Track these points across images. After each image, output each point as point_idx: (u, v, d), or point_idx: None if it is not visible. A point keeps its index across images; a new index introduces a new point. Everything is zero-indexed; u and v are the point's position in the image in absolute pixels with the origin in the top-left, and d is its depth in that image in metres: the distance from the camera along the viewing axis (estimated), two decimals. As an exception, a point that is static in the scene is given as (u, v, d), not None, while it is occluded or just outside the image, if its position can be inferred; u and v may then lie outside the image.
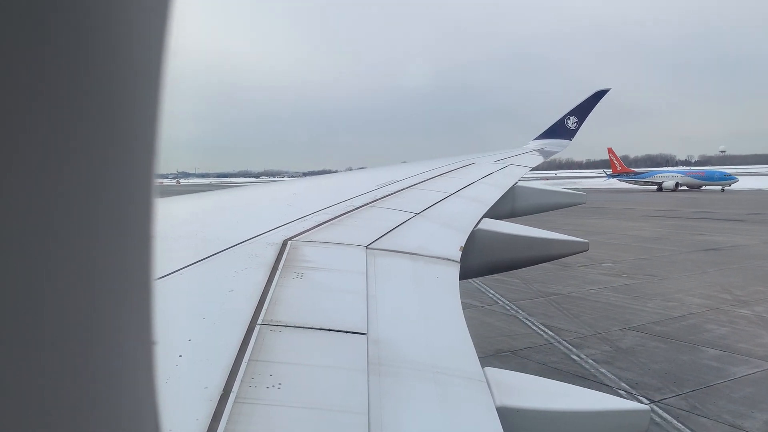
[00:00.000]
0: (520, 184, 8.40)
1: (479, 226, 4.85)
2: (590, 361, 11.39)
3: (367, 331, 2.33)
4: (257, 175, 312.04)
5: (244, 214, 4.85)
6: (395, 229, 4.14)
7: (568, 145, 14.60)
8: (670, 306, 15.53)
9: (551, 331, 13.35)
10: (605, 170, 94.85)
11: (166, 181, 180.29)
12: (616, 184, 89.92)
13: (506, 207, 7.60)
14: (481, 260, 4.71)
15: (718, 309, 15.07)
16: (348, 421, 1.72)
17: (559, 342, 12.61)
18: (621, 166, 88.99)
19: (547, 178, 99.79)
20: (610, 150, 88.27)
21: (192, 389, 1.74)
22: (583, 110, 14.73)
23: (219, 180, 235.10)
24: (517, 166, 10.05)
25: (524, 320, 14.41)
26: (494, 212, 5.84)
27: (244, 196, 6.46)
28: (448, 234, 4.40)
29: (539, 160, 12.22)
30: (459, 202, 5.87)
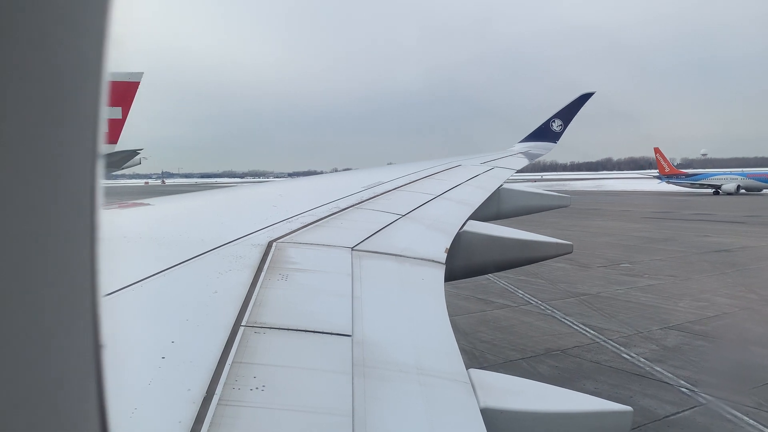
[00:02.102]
0: (505, 186, 8.50)
1: (465, 228, 4.88)
2: (642, 359, 11.56)
3: (352, 332, 2.33)
4: (242, 176, 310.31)
5: (229, 215, 4.85)
6: (381, 231, 4.16)
7: (553, 148, 14.80)
8: (701, 306, 15.81)
9: (593, 331, 13.54)
10: (653, 171, 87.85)
11: (151, 182, 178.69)
12: (654, 185, 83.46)
13: (492, 209, 7.71)
14: (466, 262, 4.77)
15: (750, 309, 15.40)
16: (332, 422, 1.73)
17: (605, 341, 12.79)
18: (669, 168, 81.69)
19: (535, 180, 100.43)
20: (657, 150, 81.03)
21: (175, 391, 1.74)
22: (568, 113, 14.92)
23: (204, 180, 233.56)
24: (502, 168, 10.16)
25: (562, 320, 14.58)
26: (480, 214, 5.91)
27: (229, 197, 6.47)
28: (433, 236, 4.43)
29: (524, 162, 12.39)
30: (445, 204, 5.92)
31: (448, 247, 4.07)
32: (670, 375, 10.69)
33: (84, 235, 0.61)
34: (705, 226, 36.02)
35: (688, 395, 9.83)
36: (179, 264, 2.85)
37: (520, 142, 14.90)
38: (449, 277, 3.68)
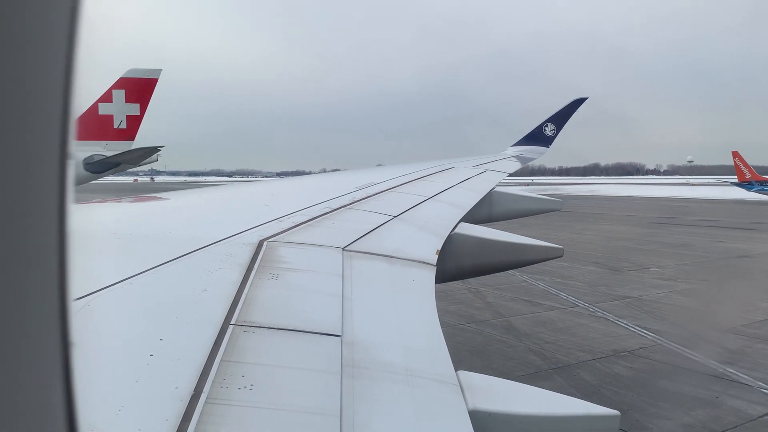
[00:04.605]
0: (497, 189, 8.60)
1: (456, 230, 4.90)
2: (712, 361, 11.85)
3: (342, 333, 2.33)
4: (230, 175, 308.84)
5: (219, 213, 4.85)
6: (372, 232, 4.16)
7: (546, 152, 14.94)
8: (747, 310, 16.16)
9: (651, 333, 13.83)
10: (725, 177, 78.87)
11: (140, 179, 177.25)
12: (730, 192, 76.26)
13: (483, 212, 7.78)
14: (457, 264, 4.79)
15: (801, 314, 15.78)
16: (320, 422, 1.73)
17: (666, 343, 13.10)
18: (752, 174, 72.19)
19: (527, 184, 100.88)
20: (736, 154, 72.14)
21: (162, 389, 1.74)
22: (561, 118, 15.08)
23: (192, 179, 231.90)
24: (494, 171, 10.27)
25: (617, 322, 14.88)
26: (471, 217, 5.93)
27: (219, 196, 6.46)
28: (425, 237, 4.44)
29: (517, 166, 12.50)
30: (436, 206, 5.94)
31: (440, 249, 4.09)
32: (745, 377, 11.02)
33: (50, 235, 0.60)
34: (714, 232, 36.59)
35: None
36: (169, 261, 2.84)
37: (513, 145, 15.00)
38: (440, 278, 3.69)
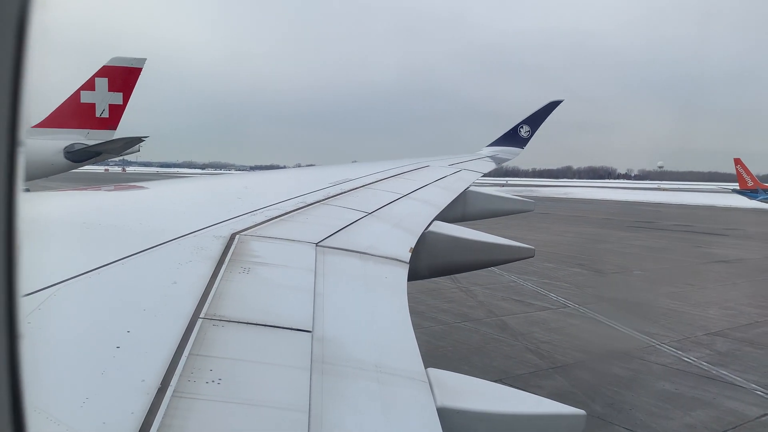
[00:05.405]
0: (471, 188, 8.72)
1: (430, 228, 4.95)
2: (704, 363, 12.26)
3: (313, 328, 2.34)
4: (203, 167, 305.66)
5: (191, 205, 4.81)
6: (346, 228, 4.17)
7: (520, 153, 15.19)
8: (731, 314, 16.74)
9: (644, 335, 14.13)
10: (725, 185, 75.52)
11: (111, 169, 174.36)
12: (735, 200, 72.50)
13: (458, 211, 7.88)
14: (430, 262, 4.84)
15: (782, 318, 16.29)
16: (288, 418, 1.74)
17: (660, 345, 13.44)
18: (754, 182, 69.54)
19: (502, 185, 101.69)
20: (738, 161, 69.65)
21: (128, 382, 1.73)
22: (536, 119, 15.28)
23: (164, 170, 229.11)
24: (469, 171, 10.41)
25: (608, 323, 15.25)
26: (445, 215, 6.00)
27: (192, 188, 6.41)
28: (398, 235, 4.46)
29: (492, 166, 12.72)
30: (411, 204, 5.99)
31: (413, 247, 4.13)
32: (739, 379, 11.42)
33: None
34: (692, 237, 37.59)
35: (766, 397, 10.38)
36: (138, 253, 2.82)
37: (488, 145, 15.19)
38: (413, 276, 3.72)
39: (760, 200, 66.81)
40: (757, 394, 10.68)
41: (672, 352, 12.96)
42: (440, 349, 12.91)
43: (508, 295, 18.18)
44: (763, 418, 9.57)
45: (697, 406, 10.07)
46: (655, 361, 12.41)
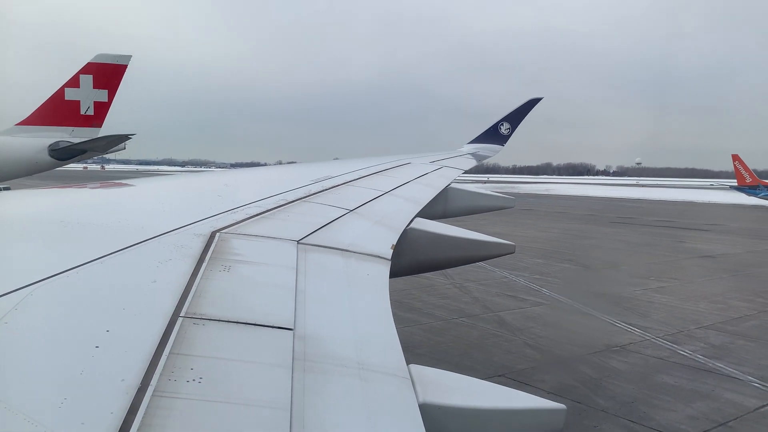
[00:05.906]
0: (453, 185, 8.81)
1: (411, 225, 4.97)
2: (699, 356, 12.58)
3: (294, 326, 2.34)
4: (182, 164, 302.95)
5: (171, 203, 4.78)
6: (328, 225, 4.18)
7: (501, 150, 15.40)
8: (721, 308, 17.14)
9: (638, 329, 14.39)
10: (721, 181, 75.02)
11: (89, 167, 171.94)
12: (732, 196, 72.99)
13: (439, 208, 7.96)
14: (412, 259, 4.87)
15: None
16: (270, 416, 1.74)
17: (654, 339, 13.73)
18: (752, 178, 68.79)
19: (484, 182, 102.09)
20: (736, 157, 68.87)
21: (108, 382, 1.72)
22: (516, 117, 15.51)
23: (143, 168, 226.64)
24: (450, 168, 10.51)
25: (603, 318, 15.52)
26: (427, 212, 6.02)
27: (171, 185, 6.37)
28: (380, 232, 4.47)
29: (473, 163, 12.90)
30: (393, 201, 5.99)
31: (395, 244, 4.13)
32: (735, 371, 11.74)
33: None
34: (674, 232, 38.24)
35: (763, 389, 10.62)
36: (117, 251, 2.81)
37: (469, 143, 15.39)
38: (394, 273, 3.73)
39: (761, 197, 65.86)
40: (754, 385, 10.94)
41: (668, 346, 13.24)
42: (441, 344, 13.08)
43: (502, 291, 18.36)
44: (762, 409, 9.82)
45: (696, 398, 10.28)
46: (652, 355, 12.67)
